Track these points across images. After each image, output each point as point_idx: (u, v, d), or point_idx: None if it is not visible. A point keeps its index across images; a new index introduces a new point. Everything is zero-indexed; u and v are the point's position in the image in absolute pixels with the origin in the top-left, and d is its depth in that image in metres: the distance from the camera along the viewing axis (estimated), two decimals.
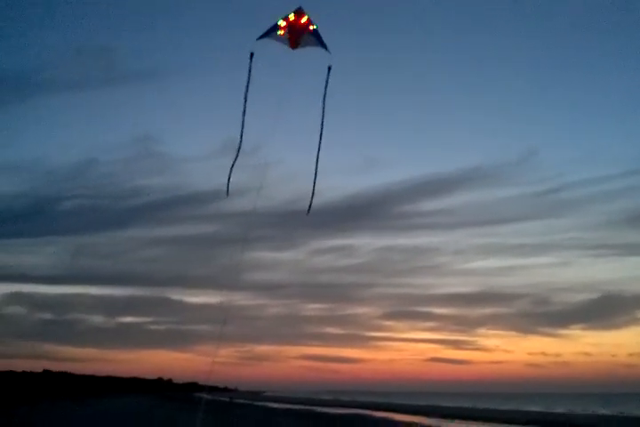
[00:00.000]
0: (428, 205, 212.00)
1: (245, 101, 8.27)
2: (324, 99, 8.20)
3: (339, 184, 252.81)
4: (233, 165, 8.85)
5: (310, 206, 9.25)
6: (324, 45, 7.91)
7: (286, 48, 7.97)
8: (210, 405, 76.90)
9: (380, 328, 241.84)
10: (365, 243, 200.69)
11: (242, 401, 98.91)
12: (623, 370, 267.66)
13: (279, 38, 8.07)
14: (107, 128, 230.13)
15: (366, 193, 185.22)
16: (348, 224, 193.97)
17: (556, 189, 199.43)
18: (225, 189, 9.37)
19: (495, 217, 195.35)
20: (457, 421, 50.71)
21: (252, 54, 7.89)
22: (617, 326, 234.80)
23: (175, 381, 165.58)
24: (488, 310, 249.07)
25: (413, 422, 35.24)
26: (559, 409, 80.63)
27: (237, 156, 8.79)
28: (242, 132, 8.42)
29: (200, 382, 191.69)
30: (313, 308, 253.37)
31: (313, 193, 9.08)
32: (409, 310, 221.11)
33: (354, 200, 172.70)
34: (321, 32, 8.37)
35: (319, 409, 71.96)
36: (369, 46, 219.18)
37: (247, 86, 8.14)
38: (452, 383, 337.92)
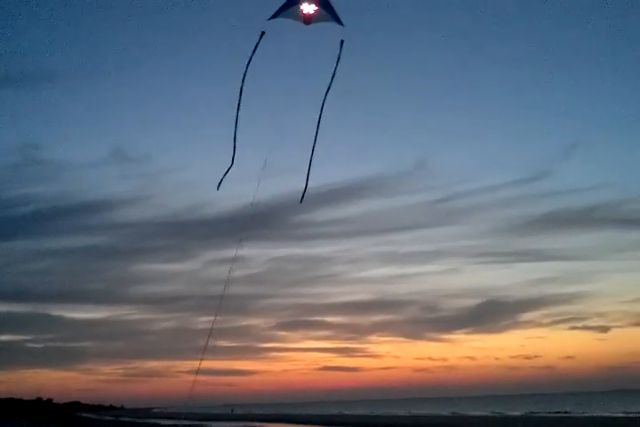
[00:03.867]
0: (325, 214, 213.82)
1: (242, 85, 7.66)
2: (333, 77, 7.70)
3: (235, 193, 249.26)
4: (231, 165, 8.07)
5: (304, 195, 8.77)
6: (337, 19, 7.51)
7: (299, 24, 7.51)
8: (94, 424, 72.80)
9: (273, 339, 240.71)
10: (261, 253, 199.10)
11: (128, 419, 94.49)
12: (506, 372, 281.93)
13: (293, 15, 7.72)
14: None
15: (263, 202, 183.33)
16: (244, 234, 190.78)
17: (447, 199, 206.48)
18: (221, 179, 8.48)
19: (389, 226, 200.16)
20: None
21: (262, 33, 7.36)
22: (500, 330, 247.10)
23: (56, 401, 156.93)
24: (379, 318, 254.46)
25: None
26: (444, 412, 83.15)
27: (234, 154, 8.04)
28: (236, 127, 7.69)
29: (83, 402, 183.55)
30: (205, 320, 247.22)
31: (307, 182, 8.60)
32: (303, 319, 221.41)
33: (249, 210, 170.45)
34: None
35: (211, 424, 70.00)
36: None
37: (247, 67, 7.56)
38: (345, 391, 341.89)
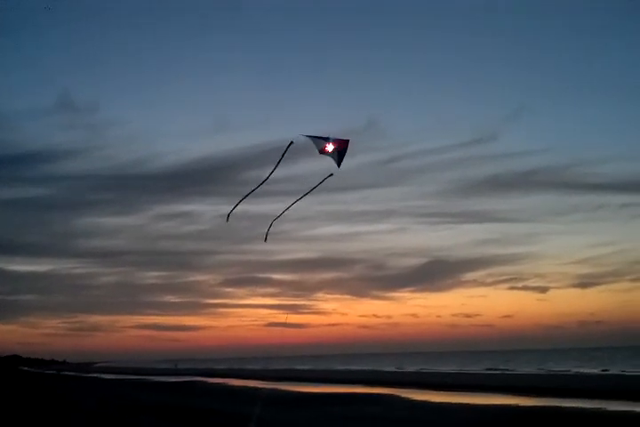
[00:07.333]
0: (275, 171, 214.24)
1: (261, 184, 9.07)
2: (306, 194, 9.36)
3: (185, 147, 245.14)
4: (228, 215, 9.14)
5: (267, 235, 9.86)
6: (339, 162, 9.27)
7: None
8: (35, 379, 71.89)
9: (220, 295, 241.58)
10: (209, 209, 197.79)
11: (70, 373, 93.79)
12: (447, 330, 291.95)
13: (316, 143, 9.46)
14: None
15: (213, 158, 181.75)
16: (192, 189, 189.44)
17: (395, 159, 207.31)
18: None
19: (339, 185, 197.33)
20: (292, 382, 51.58)
21: (291, 143, 8.88)
22: (442, 289, 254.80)
23: None
24: (327, 275, 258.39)
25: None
26: (388, 368, 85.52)
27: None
28: (234, 207, 9.02)
29: (23, 355, 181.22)
30: (151, 276, 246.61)
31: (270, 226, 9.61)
32: (250, 276, 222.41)
33: (199, 165, 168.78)
34: None
35: (152, 378, 70.08)
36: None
37: (271, 172, 9.07)
38: (290, 347, 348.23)
